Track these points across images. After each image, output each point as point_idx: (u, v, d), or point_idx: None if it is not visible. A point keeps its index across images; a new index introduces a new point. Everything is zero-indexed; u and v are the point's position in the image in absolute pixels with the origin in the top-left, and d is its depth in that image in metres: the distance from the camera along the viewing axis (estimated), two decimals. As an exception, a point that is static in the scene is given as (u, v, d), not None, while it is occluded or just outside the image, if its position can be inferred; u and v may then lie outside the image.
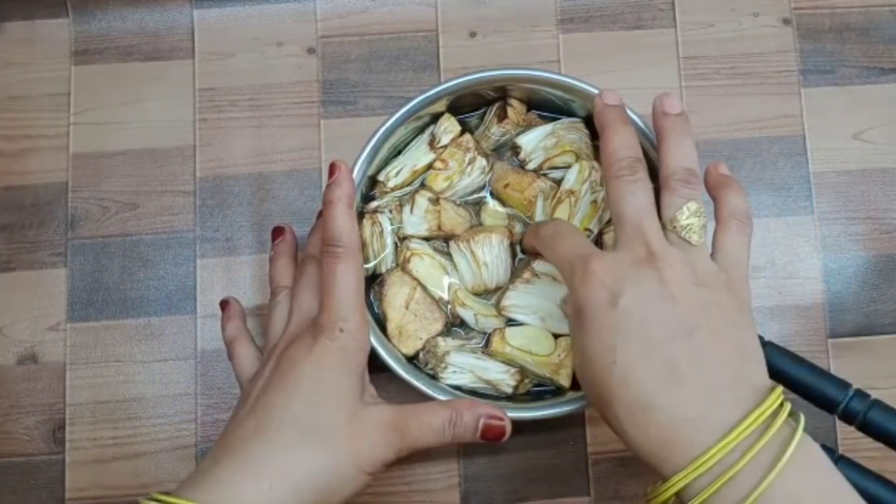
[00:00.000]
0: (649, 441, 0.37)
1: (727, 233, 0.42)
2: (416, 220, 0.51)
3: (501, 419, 0.45)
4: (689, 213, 0.41)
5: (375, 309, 0.52)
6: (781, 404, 0.36)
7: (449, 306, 0.51)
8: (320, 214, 0.53)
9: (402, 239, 0.52)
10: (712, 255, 0.42)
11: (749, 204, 0.44)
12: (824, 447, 0.43)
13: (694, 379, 0.36)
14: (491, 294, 0.52)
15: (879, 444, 0.43)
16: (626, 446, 0.39)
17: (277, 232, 0.53)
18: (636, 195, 0.41)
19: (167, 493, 0.39)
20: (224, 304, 0.53)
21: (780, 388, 0.37)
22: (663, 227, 0.41)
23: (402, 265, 0.51)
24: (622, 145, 0.43)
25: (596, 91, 0.49)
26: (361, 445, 0.42)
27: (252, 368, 0.48)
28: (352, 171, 0.48)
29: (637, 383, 0.37)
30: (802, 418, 0.36)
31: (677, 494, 0.36)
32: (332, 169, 0.46)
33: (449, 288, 0.51)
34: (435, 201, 0.52)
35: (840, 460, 0.43)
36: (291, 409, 0.41)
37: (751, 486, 0.34)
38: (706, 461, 0.34)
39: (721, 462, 0.34)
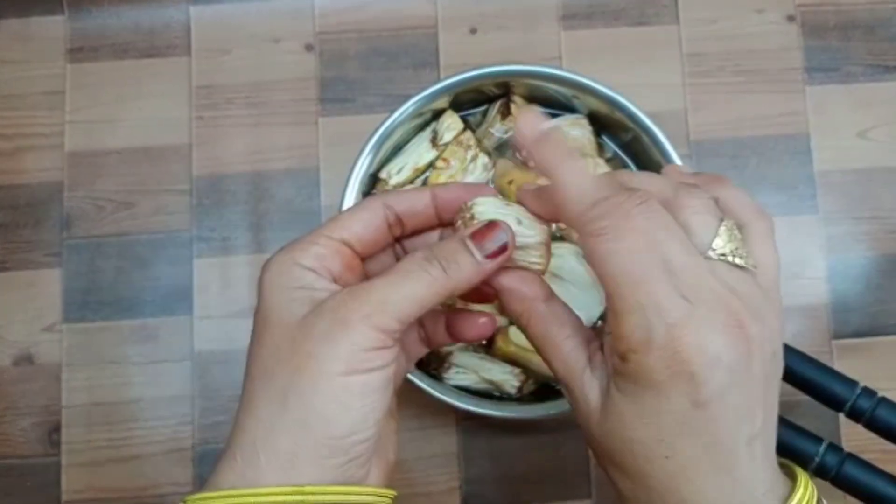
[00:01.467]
0: None
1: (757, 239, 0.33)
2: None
3: (486, 232, 0.32)
4: (728, 230, 0.31)
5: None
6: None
7: (451, 306, 0.51)
8: None
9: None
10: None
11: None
12: (832, 445, 0.43)
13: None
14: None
15: (883, 447, 0.43)
16: None
17: None
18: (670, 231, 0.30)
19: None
20: None
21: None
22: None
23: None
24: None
25: (602, 88, 0.48)
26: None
27: None
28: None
29: (687, 482, 0.30)
30: None
31: None
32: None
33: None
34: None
35: (847, 458, 0.43)
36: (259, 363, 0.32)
37: None
38: None
39: None
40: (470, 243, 0.32)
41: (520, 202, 0.34)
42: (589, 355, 0.33)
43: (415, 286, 0.31)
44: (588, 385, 0.32)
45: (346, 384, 0.30)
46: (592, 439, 0.32)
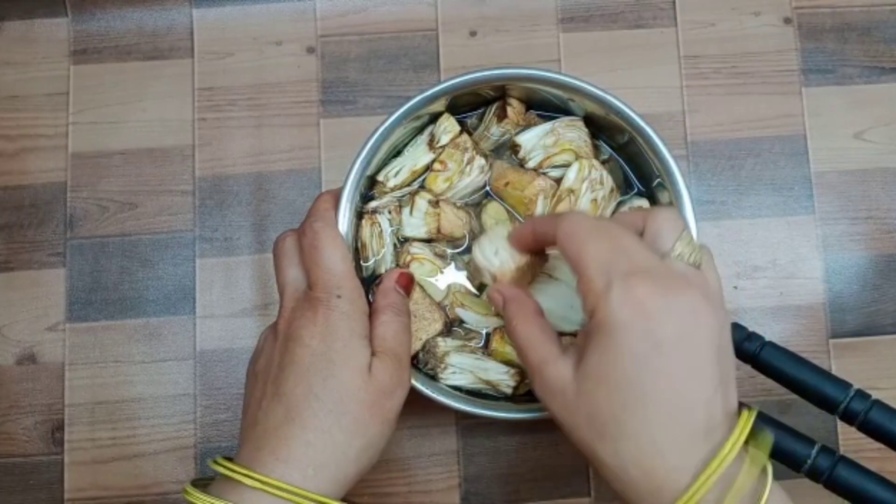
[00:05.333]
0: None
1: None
2: (416, 223, 0.51)
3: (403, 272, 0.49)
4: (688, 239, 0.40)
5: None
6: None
7: (448, 307, 0.51)
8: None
9: (402, 241, 0.52)
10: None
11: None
12: (824, 448, 0.43)
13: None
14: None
15: (880, 445, 0.43)
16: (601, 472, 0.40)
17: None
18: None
19: (233, 461, 0.41)
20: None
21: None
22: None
23: (401, 268, 0.51)
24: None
25: (596, 90, 0.49)
26: (384, 407, 0.43)
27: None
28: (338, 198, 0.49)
29: (651, 445, 0.36)
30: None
31: None
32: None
33: (448, 290, 0.51)
34: (434, 203, 0.51)
35: (840, 461, 0.43)
36: (313, 390, 0.41)
37: None
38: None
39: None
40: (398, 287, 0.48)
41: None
42: (560, 350, 0.40)
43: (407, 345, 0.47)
44: (563, 365, 0.39)
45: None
46: (569, 412, 0.39)
